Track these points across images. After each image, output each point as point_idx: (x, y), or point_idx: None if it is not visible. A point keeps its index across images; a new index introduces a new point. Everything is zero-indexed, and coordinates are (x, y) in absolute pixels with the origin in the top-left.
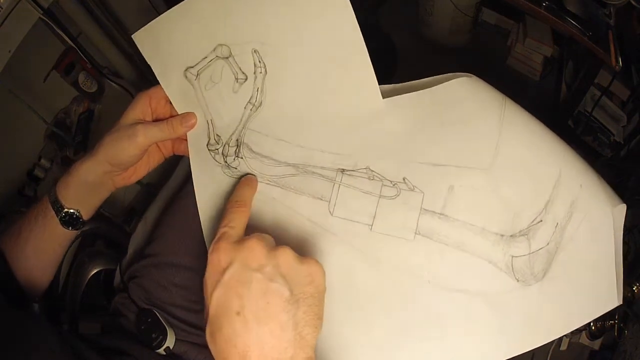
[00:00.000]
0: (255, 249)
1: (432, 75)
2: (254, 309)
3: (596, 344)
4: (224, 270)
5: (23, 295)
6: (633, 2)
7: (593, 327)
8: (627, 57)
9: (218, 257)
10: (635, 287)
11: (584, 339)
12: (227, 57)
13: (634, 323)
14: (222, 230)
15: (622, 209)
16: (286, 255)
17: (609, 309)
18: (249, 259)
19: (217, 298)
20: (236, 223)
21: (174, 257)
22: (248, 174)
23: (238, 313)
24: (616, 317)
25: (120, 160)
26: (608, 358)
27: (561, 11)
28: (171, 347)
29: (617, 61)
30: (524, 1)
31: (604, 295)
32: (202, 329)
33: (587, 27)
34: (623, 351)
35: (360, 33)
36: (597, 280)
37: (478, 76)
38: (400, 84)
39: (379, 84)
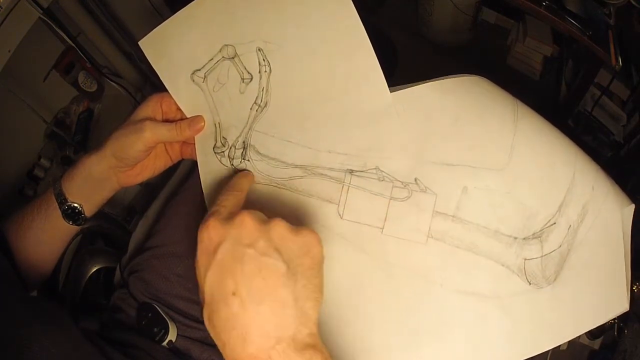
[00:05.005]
0: (247, 223)
1: (434, 75)
2: (250, 288)
3: (596, 344)
4: (215, 249)
5: (22, 281)
6: (633, 2)
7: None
8: (627, 56)
9: (208, 235)
10: (635, 287)
11: (583, 338)
12: (232, 57)
13: (634, 322)
14: (212, 209)
15: (630, 209)
16: (279, 228)
17: (619, 313)
18: (241, 234)
19: (210, 279)
20: (228, 203)
21: (175, 247)
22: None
23: (234, 293)
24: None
25: (126, 154)
26: (608, 357)
27: (561, 10)
28: (174, 341)
29: (617, 60)
30: (524, 0)
31: (614, 298)
32: (203, 322)
33: (587, 26)
34: (623, 350)
35: (362, 25)
36: (608, 283)
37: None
38: (407, 87)
39: None
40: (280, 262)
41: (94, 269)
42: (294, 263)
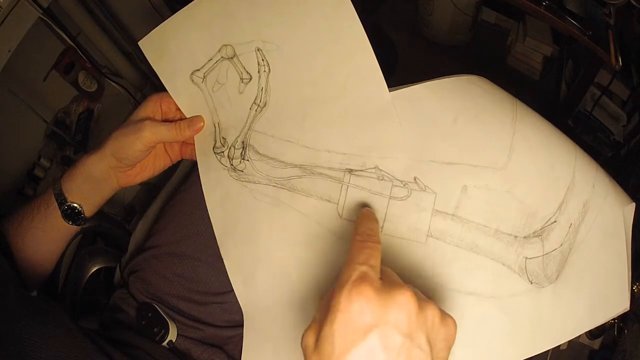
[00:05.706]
0: (410, 307)
1: (433, 75)
2: None
3: (596, 344)
4: (367, 330)
5: (22, 281)
6: (633, 2)
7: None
8: (627, 56)
9: (360, 308)
10: (635, 287)
11: (583, 338)
12: (231, 58)
13: (634, 322)
14: (361, 269)
15: (631, 208)
16: (435, 316)
17: (620, 312)
18: (402, 320)
19: None
20: (375, 262)
21: (175, 247)
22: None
23: None
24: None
25: (125, 154)
26: (608, 357)
27: (561, 10)
28: (174, 341)
29: (616, 60)
30: (524, 0)
31: (615, 297)
32: (203, 322)
33: (586, 26)
34: (622, 350)
35: (362, 25)
36: (609, 282)
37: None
38: (407, 87)
39: None
40: (429, 357)
41: (94, 269)
42: (436, 355)
